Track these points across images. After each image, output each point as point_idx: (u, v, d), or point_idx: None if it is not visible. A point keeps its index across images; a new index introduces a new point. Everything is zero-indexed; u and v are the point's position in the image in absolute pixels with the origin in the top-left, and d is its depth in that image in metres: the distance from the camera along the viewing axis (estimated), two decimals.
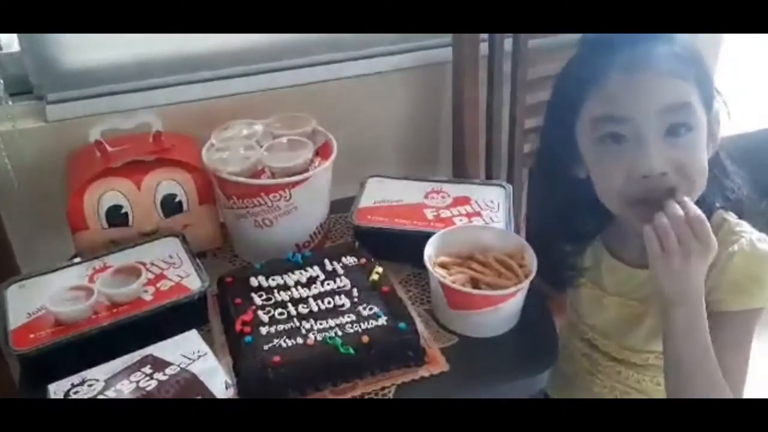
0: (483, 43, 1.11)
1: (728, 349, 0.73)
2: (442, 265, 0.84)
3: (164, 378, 0.68)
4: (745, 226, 0.77)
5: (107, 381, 0.68)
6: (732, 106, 0.78)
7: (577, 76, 0.76)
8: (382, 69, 1.13)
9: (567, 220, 0.86)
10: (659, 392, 0.84)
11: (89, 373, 0.70)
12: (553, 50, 1.13)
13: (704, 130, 0.73)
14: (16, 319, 0.78)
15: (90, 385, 0.68)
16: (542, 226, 0.90)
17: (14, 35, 0.99)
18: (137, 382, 0.67)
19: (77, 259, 0.88)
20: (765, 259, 0.74)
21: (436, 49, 1.15)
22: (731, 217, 0.78)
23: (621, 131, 0.72)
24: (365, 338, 0.75)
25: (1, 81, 0.97)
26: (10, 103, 0.99)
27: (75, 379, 0.69)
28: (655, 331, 0.81)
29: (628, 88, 0.71)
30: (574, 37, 1.09)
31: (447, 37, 1.11)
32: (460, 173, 1.18)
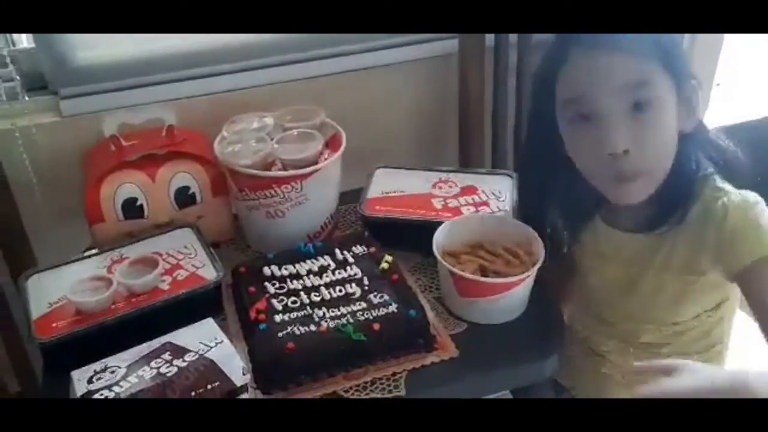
0: (489, 34, 1.12)
1: (765, 297, 0.72)
2: (451, 254, 0.86)
3: (183, 364, 0.70)
4: (728, 186, 0.78)
5: (129, 367, 0.70)
6: (736, 94, 0.79)
7: (548, 59, 0.78)
8: (389, 61, 1.15)
9: (565, 201, 0.87)
10: None
11: (111, 360, 0.72)
12: None
13: (670, 109, 0.74)
14: (37, 309, 0.80)
15: (112, 372, 0.70)
16: (540, 209, 0.90)
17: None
18: (158, 368, 0.70)
19: (95, 251, 0.90)
20: (752, 205, 0.75)
21: (442, 41, 1.16)
22: (724, 184, 0.78)
23: (586, 111, 0.74)
24: (376, 325, 0.77)
25: (18, 77, 0.98)
26: (26, 98, 1.01)
27: (97, 366, 0.71)
28: (657, 297, 0.82)
29: (589, 67, 0.73)
30: None
31: None
32: (467, 163, 1.19)
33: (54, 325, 0.78)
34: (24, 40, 1.07)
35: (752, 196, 0.76)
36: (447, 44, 1.15)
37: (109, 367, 0.71)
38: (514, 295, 0.83)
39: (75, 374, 0.71)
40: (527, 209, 0.91)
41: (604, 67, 0.72)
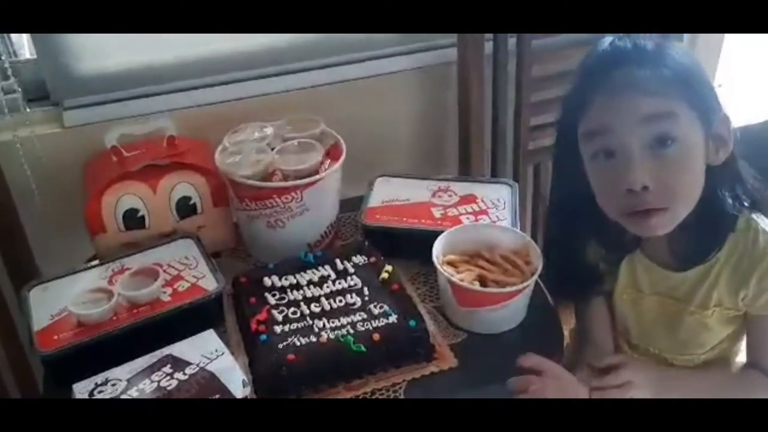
0: (488, 43, 1.12)
1: None
2: (450, 264, 0.86)
3: (184, 377, 0.70)
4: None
5: (129, 380, 0.71)
6: (737, 97, 0.79)
7: (571, 99, 0.78)
8: (388, 70, 1.15)
9: (605, 236, 0.85)
10: None
11: (112, 373, 0.72)
12: (556, 49, 1.15)
13: (696, 145, 0.73)
14: (39, 321, 0.81)
15: (113, 385, 0.71)
16: (577, 246, 0.88)
17: (30, 42, 1.01)
18: (158, 381, 0.70)
19: (96, 262, 0.91)
20: None
21: (441, 49, 1.17)
22: (760, 218, 0.78)
23: (608, 146, 0.73)
24: (376, 336, 0.78)
25: (20, 89, 0.99)
26: (28, 109, 1.01)
27: (98, 379, 0.72)
28: (696, 330, 0.83)
29: (611, 106, 0.72)
30: (577, 36, 1.11)
31: (452, 38, 1.12)
32: (467, 171, 1.20)
33: (55, 337, 0.78)
34: (27, 52, 1.07)
35: None
36: (446, 53, 1.15)
37: (110, 380, 0.72)
38: (513, 304, 0.83)
39: (76, 387, 0.71)
40: (563, 249, 0.89)
41: (627, 102, 0.71)
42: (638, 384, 0.76)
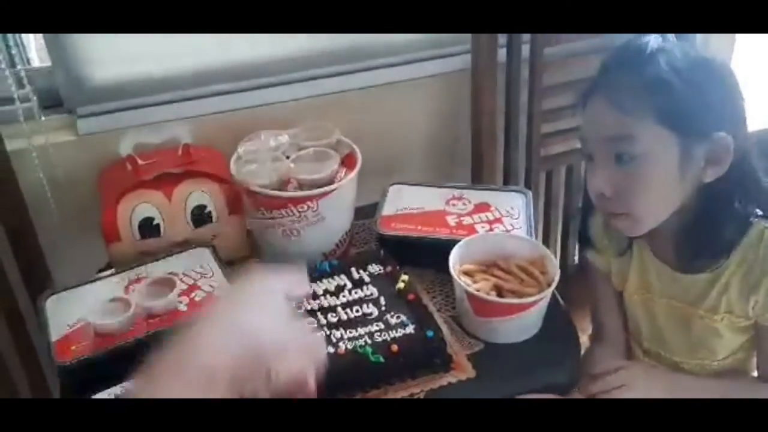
0: (501, 50, 1.12)
1: None
2: (466, 273, 0.86)
3: None
4: None
5: None
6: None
7: (578, 98, 0.82)
8: (402, 78, 1.15)
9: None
10: None
11: (129, 384, 0.72)
12: (569, 57, 1.15)
13: (663, 162, 0.74)
14: (57, 331, 0.81)
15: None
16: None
17: (45, 51, 1.01)
18: None
19: (112, 271, 0.91)
20: None
21: (454, 56, 1.17)
22: None
23: (588, 151, 0.79)
24: (394, 347, 0.78)
25: (35, 98, 0.99)
26: (43, 118, 1.01)
27: (117, 390, 0.72)
28: (706, 335, 0.83)
29: (591, 115, 0.77)
30: (590, 44, 1.11)
31: (466, 45, 1.12)
32: (479, 179, 1.20)
33: (73, 347, 0.78)
34: (36, 59, 1.07)
35: None
36: (459, 60, 1.15)
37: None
38: (530, 314, 0.83)
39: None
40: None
41: (599, 115, 0.76)
42: (637, 387, 0.79)
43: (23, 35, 1.07)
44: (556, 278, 0.83)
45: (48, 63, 1.02)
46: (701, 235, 0.78)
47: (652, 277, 0.86)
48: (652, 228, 0.80)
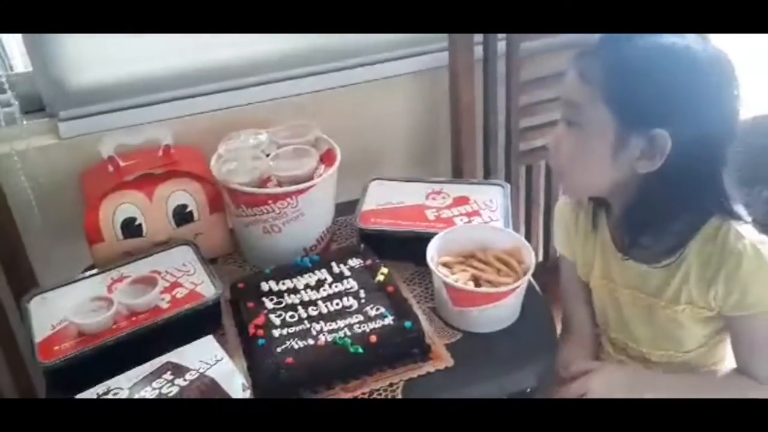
0: (477, 46, 1.14)
1: (752, 346, 0.79)
2: (445, 265, 0.88)
3: (185, 383, 0.72)
4: (744, 230, 0.77)
5: (131, 389, 0.72)
6: None
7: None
8: (381, 76, 1.16)
9: None
10: None
11: (113, 382, 0.73)
12: (545, 52, 1.17)
13: (598, 141, 0.75)
14: (40, 331, 0.82)
15: (115, 394, 0.72)
16: None
17: (26, 56, 1.02)
18: (159, 388, 0.71)
19: (94, 271, 0.92)
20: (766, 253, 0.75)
21: (432, 54, 1.18)
22: (732, 224, 0.77)
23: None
24: (373, 338, 0.79)
25: (16, 102, 1.00)
26: (24, 122, 1.02)
27: (100, 388, 0.73)
28: (669, 326, 0.84)
29: (564, 80, 0.78)
30: (566, 39, 1.13)
31: (443, 43, 1.14)
32: (459, 173, 1.21)
33: (57, 347, 0.79)
34: (20, 65, 1.08)
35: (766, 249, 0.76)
36: (438, 57, 1.17)
37: (112, 389, 0.73)
38: (506, 303, 0.84)
39: (79, 397, 0.72)
40: None
41: (566, 79, 0.77)
42: (599, 393, 0.81)
43: (5, 42, 1.08)
44: (532, 267, 0.85)
45: (30, 69, 1.03)
46: (639, 226, 0.80)
47: (615, 267, 0.87)
48: (581, 196, 0.87)
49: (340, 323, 0.82)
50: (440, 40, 1.15)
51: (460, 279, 0.85)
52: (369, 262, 0.92)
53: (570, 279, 0.95)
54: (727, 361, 0.87)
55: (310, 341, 0.79)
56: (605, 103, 0.73)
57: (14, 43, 1.10)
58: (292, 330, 0.81)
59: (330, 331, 0.81)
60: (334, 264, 0.91)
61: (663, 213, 0.78)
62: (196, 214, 0.98)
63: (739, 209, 0.77)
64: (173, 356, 0.76)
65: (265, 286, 0.88)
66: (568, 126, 0.78)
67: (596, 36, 0.77)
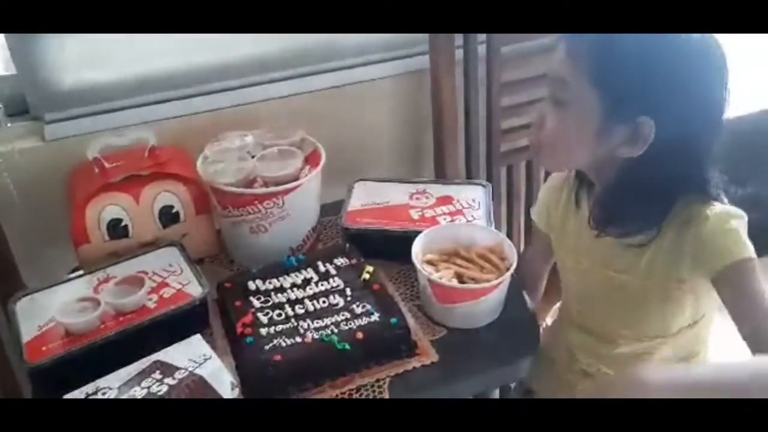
0: (458, 49, 1.16)
1: (740, 301, 0.75)
2: (429, 262, 0.89)
3: (174, 382, 0.72)
4: (717, 203, 0.78)
5: (120, 388, 0.72)
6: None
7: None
8: (364, 78, 1.18)
9: None
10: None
11: (102, 382, 0.73)
12: (525, 55, 1.19)
13: (583, 121, 0.75)
14: (27, 332, 0.82)
15: (104, 393, 0.72)
16: None
17: (9, 59, 1.02)
18: (148, 387, 0.72)
19: (81, 272, 0.92)
20: (733, 217, 0.76)
21: (414, 57, 1.20)
22: (707, 203, 0.78)
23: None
24: (360, 334, 0.80)
25: (1, 105, 1.00)
26: (9, 124, 1.02)
27: (89, 388, 0.73)
28: (635, 308, 0.85)
29: (554, 55, 0.78)
30: (545, 41, 1.15)
31: (424, 46, 1.16)
32: (442, 174, 1.23)
33: (44, 348, 0.79)
34: (2, 69, 1.08)
35: (735, 210, 0.77)
36: (419, 60, 1.19)
37: (101, 389, 0.73)
38: (490, 299, 0.86)
39: (68, 397, 0.72)
40: None
41: (555, 55, 0.77)
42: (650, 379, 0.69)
43: None
44: (515, 263, 0.87)
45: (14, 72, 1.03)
46: (617, 204, 0.80)
47: (588, 245, 0.86)
48: (559, 170, 0.90)
49: (327, 321, 0.83)
50: (422, 42, 1.17)
51: (445, 276, 0.86)
52: (354, 260, 0.93)
53: (536, 241, 1.01)
54: (701, 355, 0.88)
55: (298, 339, 0.81)
56: (593, 84, 0.73)
57: None
58: (279, 328, 0.82)
59: (317, 329, 0.82)
60: (320, 263, 0.93)
61: (642, 195, 0.78)
62: (182, 215, 0.99)
63: (721, 196, 0.78)
64: (162, 355, 0.76)
65: (251, 285, 0.89)
66: (554, 104, 0.77)
67: None
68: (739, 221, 0.76)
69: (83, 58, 1.04)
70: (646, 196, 0.78)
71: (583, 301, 0.92)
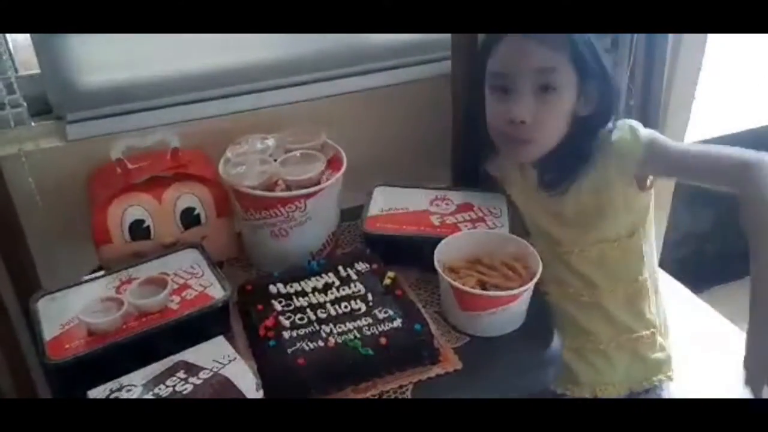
0: None
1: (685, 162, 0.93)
2: (452, 269, 0.89)
3: (199, 382, 0.72)
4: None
5: (144, 386, 0.72)
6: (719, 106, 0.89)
7: (485, 39, 0.98)
8: (386, 83, 1.18)
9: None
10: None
11: (126, 379, 0.74)
12: None
13: (568, 95, 0.92)
14: (50, 330, 0.82)
15: (128, 391, 0.72)
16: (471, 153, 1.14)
17: (34, 58, 1.02)
18: (173, 386, 0.72)
19: (103, 272, 0.92)
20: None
21: (436, 62, 1.20)
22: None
23: (504, 84, 0.92)
24: (383, 340, 0.80)
25: (25, 104, 1.00)
26: (32, 123, 1.03)
27: (113, 385, 0.73)
28: (576, 219, 0.99)
29: (513, 50, 0.91)
30: None
31: (447, 51, 1.16)
32: (462, 180, 1.23)
33: (66, 346, 0.79)
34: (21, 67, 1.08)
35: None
36: (441, 66, 1.19)
37: (125, 386, 0.73)
38: (513, 307, 0.86)
39: (92, 393, 0.73)
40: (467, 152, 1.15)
41: (525, 51, 0.90)
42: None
43: (12, 44, 1.08)
44: (539, 272, 0.86)
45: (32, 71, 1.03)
46: (559, 162, 0.96)
47: (539, 204, 1.03)
48: (536, 158, 0.97)
49: (350, 325, 0.83)
50: (444, 48, 1.17)
51: (467, 283, 0.86)
52: (375, 266, 0.93)
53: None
54: (646, 278, 1.02)
55: (321, 343, 0.80)
56: (571, 61, 0.90)
57: (17, 47, 1.10)
58: (301, 332, 0.82)
59: (339, 333, 0.82)
60: (341, 268, 0.92)
61: (582, 145, 0.95)
62: (203, 218, 0.98)
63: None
64: (185, 355, 0.76)
65: (273, 289, 0.89)
66: (543, 92, 0.90)
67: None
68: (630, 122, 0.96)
69: (106, 58, 1.04)
70: (582, 149, 0.95)
71: (531, 228, 1.06)
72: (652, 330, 1.04)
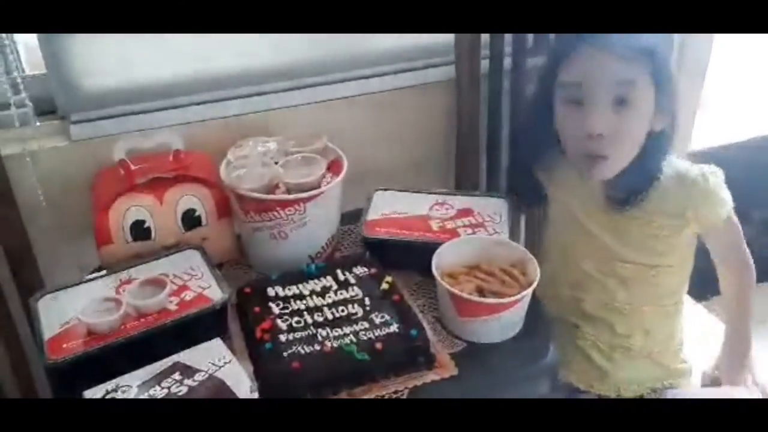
0: (484, 61, 1.16)
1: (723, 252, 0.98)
2: (450, 275, 0.89)
3: (194, 384, 0.72)
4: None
5: (140, 387, 0.73)
6: (725, 113, 0.90)
7: (556, 48, 0.94)
8: (388, 87, 1.18)
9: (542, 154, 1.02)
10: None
11: (122, 380, 0.74)
12: None
13: (647, 109, 0.88)
14: (49, 329, 0.82)
15: (124, 391, 0.73)
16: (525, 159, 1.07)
17: (41, 58, 1.03)
18: (168, 387, 0.72)
19: (103, 272, 0.93)
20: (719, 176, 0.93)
21: (439, 67, 1.20)
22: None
23: (579, 96, 0.88)
24: (379, 345, 0.80)
25: (30, 104, 1.01)
26: (37, 123, 1.04)
27: (109, 386, 0.74)
28: (643, 237, 0.97)
29: (589, 62, 0.87)
30: None
31: (450, 56, 1.16)
32: (463, 185, 1.23)
33: (65, 345, 0.80)
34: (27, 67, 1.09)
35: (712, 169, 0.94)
36: (444, 70, 1.19)
37: (121, 387, 0.73)
38: (511, 314, 0.86)
39: (88, 393, 0.73)
40: (518, 170, 1.10)
41: (601, 63, 0.86)
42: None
43: (18, 44, 1.09)
44: (537, 279, 0.86)
45: (36, 71, 1.04)
46: (629, 180, 0.93)
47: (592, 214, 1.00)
48: (611, 175, 0.92)
49: (346, 330, 0.83)
50: (447, 53, 1.17)
51: (465, 289, 0.86)
52: (374, 270, 0.93)
53: None
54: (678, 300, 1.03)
55: (317, 347, 0.80)
56: (650, 75, 0.86)
57: (23, 47, 1.11)
58: (298, 335, 0.82)
59: (336, 338, 0.82)
60: (339, 271, 0.93)
61: (656, 164, 0.93)
62: (204, 219, 0.99)
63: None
64: (181, 357, 0.77)
65: (271, 292, 0.89)
66: (619, 105, 0.86)
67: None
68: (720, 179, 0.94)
69: (111, 59, 1.05)
70: (654, 166, 0.92)
71: (567, 244, 1.04)
72: (679, 346, 1.06)
